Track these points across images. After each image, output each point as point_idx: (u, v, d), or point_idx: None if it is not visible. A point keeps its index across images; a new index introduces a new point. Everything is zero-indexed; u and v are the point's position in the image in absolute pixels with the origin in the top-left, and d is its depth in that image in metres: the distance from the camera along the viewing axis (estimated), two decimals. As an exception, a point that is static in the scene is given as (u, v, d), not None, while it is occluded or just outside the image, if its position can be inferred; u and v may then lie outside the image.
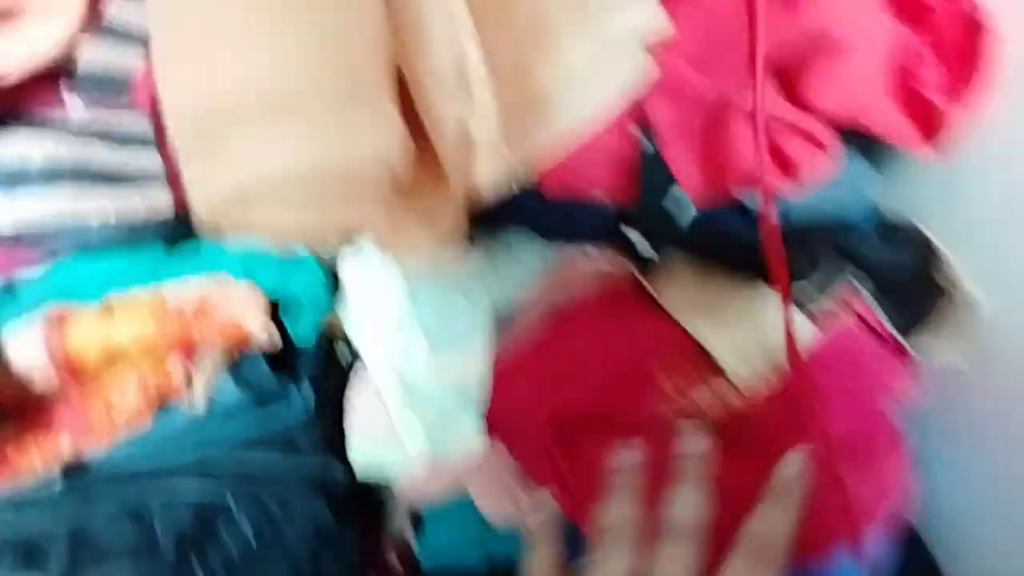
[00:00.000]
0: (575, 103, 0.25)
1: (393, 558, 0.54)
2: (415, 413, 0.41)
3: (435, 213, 0.32)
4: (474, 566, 0.47)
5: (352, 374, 0.47)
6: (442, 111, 0.23)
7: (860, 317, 0.41)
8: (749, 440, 0.39)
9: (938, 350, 0.41)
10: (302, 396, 0.47)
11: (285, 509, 0.46)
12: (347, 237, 0.31)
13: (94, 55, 0.35)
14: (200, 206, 0.22)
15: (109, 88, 0.35)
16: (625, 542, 0.33)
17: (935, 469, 0.45)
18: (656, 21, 0.27)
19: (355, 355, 0.48)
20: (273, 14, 0.19)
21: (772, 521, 0.31)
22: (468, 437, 0.43)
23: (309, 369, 0.47)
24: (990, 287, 0.41)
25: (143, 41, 0.35)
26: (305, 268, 0.44)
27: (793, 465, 0.33)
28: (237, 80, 0.18)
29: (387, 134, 0.20)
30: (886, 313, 0.41)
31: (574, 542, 0.37)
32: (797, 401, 0.39)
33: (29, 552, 0.42)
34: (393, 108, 0.21)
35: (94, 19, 0.35)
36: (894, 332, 0.41)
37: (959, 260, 0.42)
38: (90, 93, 0.35)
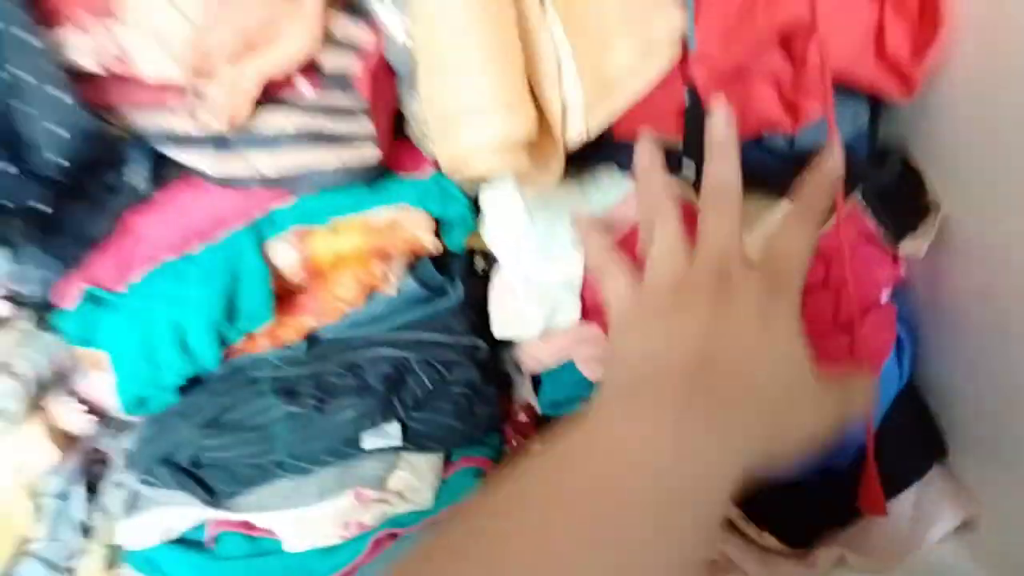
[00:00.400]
0: (629, 87, 0.42)
1: (521, 414, 0.74)
2: (534, 301, 0.60)
3: (547, 159, 0.50)
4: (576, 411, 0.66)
5: (491, 275, 0.66)
6: (549, 94, 0.41)
7: (854, 223, 0.56)
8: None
9: (918, 248, 0.55)
10: (455, 291, 0.67)
11: (449, 370, 0.65)
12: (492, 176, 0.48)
13: (327, 60, 0.55)
14: (444, 165, 0.39)
15: (339, 84, 0.55)
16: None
17: (922, 337, 0.60)
18: (683, 21, 0.43)
19: (490, 261, 0.67)
20: (481, 42, 0.35)
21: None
22: (571, 319, 0.61)
23: (459, 271, 0.67)
24: (959, 200, 0.54)
25: (358, 50, 0.54)
26: (457, 198, 0.62)
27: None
28: (463, 86, 0.36)
29: (530, 114, 0.38)
30: (878, 222, 0.56)
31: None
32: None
33: (288, 391, 0.64)
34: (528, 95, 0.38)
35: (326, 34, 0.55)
36: (884, 236, 0.56)
37: (937, 179, 0.55)
38: (324, 84, 0.55)
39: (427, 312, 0.66)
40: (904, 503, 0.61)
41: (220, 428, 0.63)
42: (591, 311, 0.62)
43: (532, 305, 0.59)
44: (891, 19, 0.50)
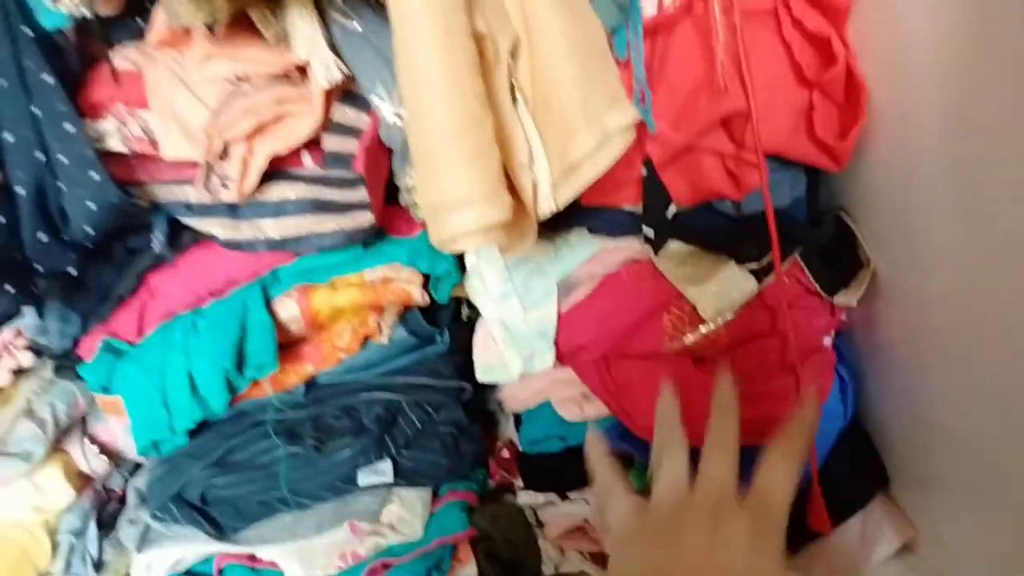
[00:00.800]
0: (590, 169, 0.49)
1: (504, 451, 0.80)
2: (514, 347, 0.67)
3: (523, 229, 0.56)
4: (556, 449, 0.73)
5: (475, 323, 0.73)
6: (523, 178, 0.48)
7: (796, 278, 0.64)
8: (717, 354, 0.62)
9: (850, 299, 0.63)
10: (443, 338, 0.73)
11: (436, 411, 0.72)
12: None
13: (329, 141, 0.62)
14: (435, 243, 0.46)
15: (339, 161, 0.62)
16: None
17: (863, 378, 0.67)
18: (635, 115, 0.51)
19: (475, 310, 0.74)
20: (462, 142, 0.42)
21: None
22: (547, 363, 0.68)
23: (446, 321, 0.74)
24: (886, 256, 0.62)
25: (356, 132, 0.62)
26: (443, 257, 0.69)
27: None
28: (448, 181, 0.43)
29: (506, 201, 0.44)
30: (816, 276, 0.63)
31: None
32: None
33: (290, 433, 0.70)
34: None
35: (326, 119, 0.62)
36: (820, 288, 0.63)
37: (866, 236, 0.63)
38: (325, 161, 0.63)
39: (417, 358, 0.73)
40: (852, 528, 0.67)
41: (227, 467, 0.69)
42: (564, 356, 0.68)
43: (511, 351, 0.66)
44: (820, 104, 0.58)
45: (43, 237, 0.59)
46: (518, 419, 0.77)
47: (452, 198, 0.43)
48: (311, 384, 0.72)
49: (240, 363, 0.65)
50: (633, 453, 0.68)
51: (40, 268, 0.61)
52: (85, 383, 0.77)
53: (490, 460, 0.79)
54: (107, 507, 0.82)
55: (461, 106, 0.42)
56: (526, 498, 0.74)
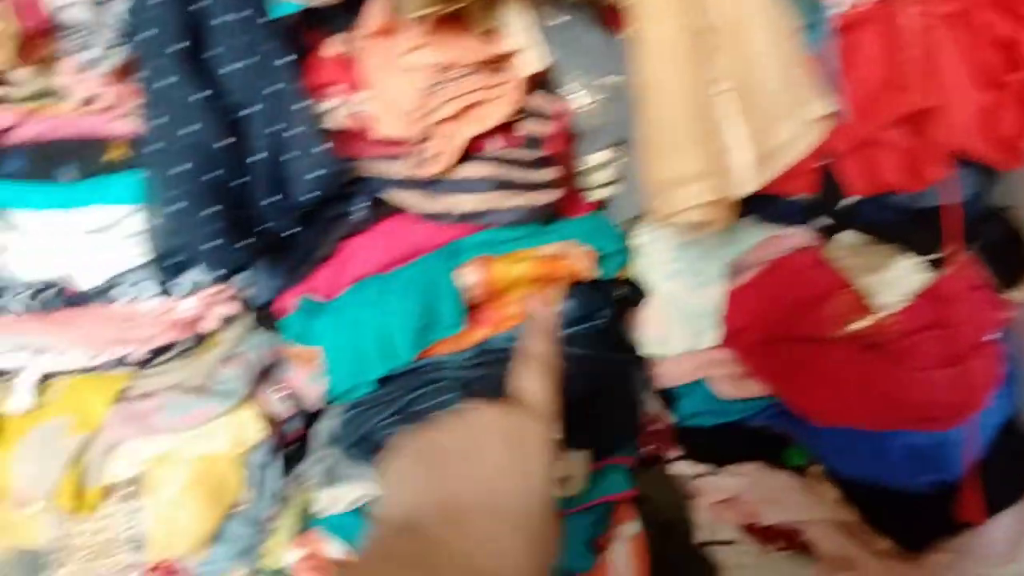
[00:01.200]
0: (787, 156, 0.53)
1: (653, 424, 0.84)
2: (680, 324, 0.71)
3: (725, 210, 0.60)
4: (711, 424, 0.76)
5: (630, 301, 0.77)
6: (727, 160, 0.53)
7: (968, 272, 0.65)
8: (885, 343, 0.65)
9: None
10: (606, 314, 0.78)
11: (599, 381, 0.77)
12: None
13: (524, 125, 0.68)
14: (657, 217, 0.51)
15: (532, 143, 0.67)
16: None
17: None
18: (833, 106, 0.54)
19: (633, 289, 0.79)
20: (689, 127, 0.47)
21: None
22: (712, 341, 0.72)
23: (612, 295, 0.78)
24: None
25: (549, 117, 0.67)
26: (613, 236, 0.74)
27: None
28: (677, 160, 0.48)
29: (726, 180, 0.48)
30: (987, 271, 0.65)
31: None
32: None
33: (464, 388, 0.77)
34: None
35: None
36: (993, 284, 0.65)
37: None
38: (520, 143, 0.68)
39: (581, 330, 0.78)
40: (1005, 520, 0.69)
41: (409, 417, 0.76)
42: (727, 336, 0.72)
43: (677, 328, 0.70)
44: (1004, 105, 0.59)
45: (272, 200, 0.67)
46: (665, 394, 0.81)
47: (680, 175, 0.48)
48: (482, 348, 0.78)
49: (430, 323, 0.72)
50: (791, 433, 0.71)
51: (267, 227, 0.69)
52: (278, 334, 0.86)
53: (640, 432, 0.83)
54: (287, 448, 0.91)
55: (692, 96, 0.47)
56: (681, 468, 0.78)
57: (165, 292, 0.75)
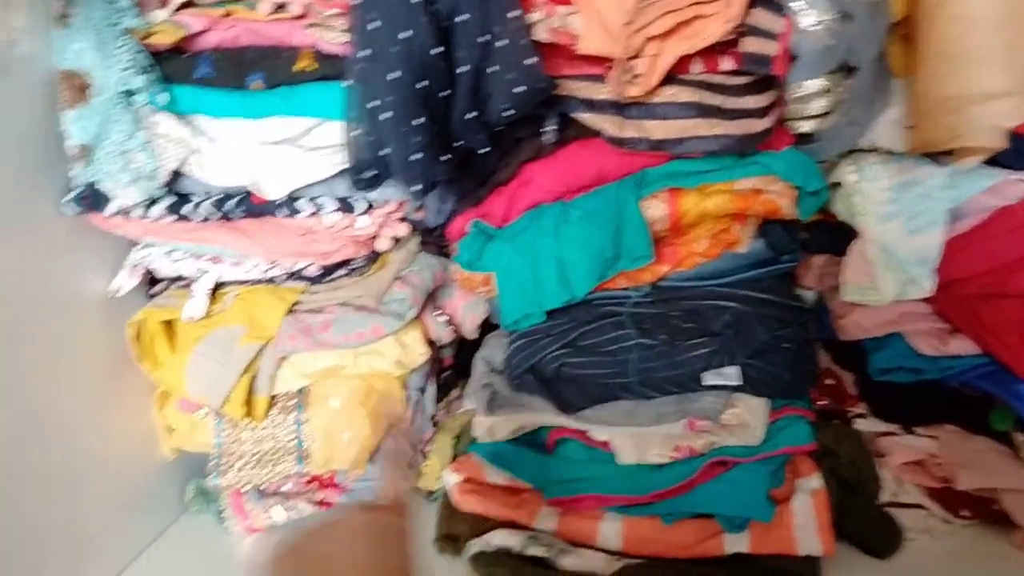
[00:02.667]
0: None
1: (828, 379, 0.80)
2: (890, 271, 0.66)
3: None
4: (907, 380, 0.71)
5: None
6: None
7: None
8: None
9: None
10: (795, 256, 0.74)
11: (781, 327, 0.73)
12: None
13: (746, 44, 0.63)
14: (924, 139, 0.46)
15: (758, 62, 0.62)
16: None
17: None
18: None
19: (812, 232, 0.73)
20: (1004, 40, 0.41)
21: None
22: (925, 291, 0.66)
23: (806, 237, 0.74)
24: None
25: (773, 35, 0.62)
26: (816, 174, 0.69)
27: None
28: (984, 76, 0.43)
29: None
30: None
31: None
32: None
33: (638, 325, 0.74)
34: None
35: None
36: None
37: None
38: (744, 63, 0.63)
39: (763, 273, 0.74)
40: None
41: (579, 349, 0.74)
42: (943, 289, 0.66)
43: (887, 275, 0.65)
44: None
45: (470, 115, 0.65)
46: (852, 347, 0.76)
47: (979, 92, 0.43)
48: (655, 285, 0.75)
49: (615, 255, 0.69)
50: (997, 394, 0.66)
51: (460, 143, 0.67)
52: (442, 258, 0.85)
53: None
54: (441, 374, 0.91)
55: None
56: (864, 425, 0.74)
57: (342, 209, 0.75)
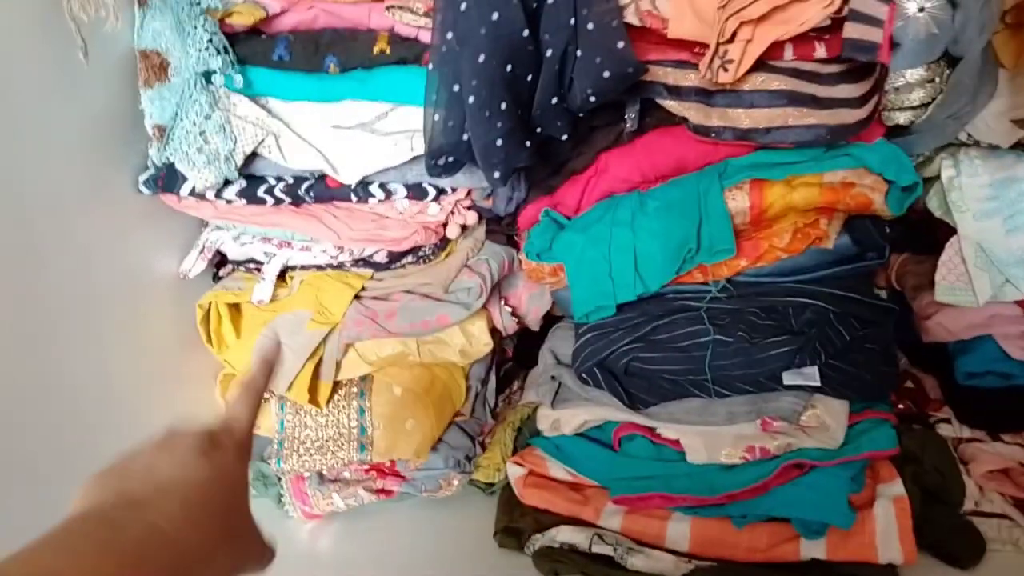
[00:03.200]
0: None
1: (908, 381, 0.77)
2: (986, 271, 0.63)
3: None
4: (996, 385, 0.68)
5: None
6: None
7: None
8: None
9: None
10: (884, 252, 0.71)
11: (864, 326, 0.70)
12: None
13: (849, 30, 0.60)
14: None
15: (862, 49, 0.59)
16: None
17: None
18: None
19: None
20: None
21: None
22: (1018, 294, 0.63)
23: (891, 235, 0.71)
24: None
25: (878, 21, 0.59)
26: (909, 168, 0.66)
27: None
28: None
29: None
30: None
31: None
32: None
33: (714, 321, 0.72)
34: None
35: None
36: None
37: None
38: (845, 50, 0.60)
39: (846, 270, 0.71)
40: None
41: (651, 344, 0.73)
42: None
43: (983, 275, 0.62)
44: None
45: (553, 100, 0.63)
46: (938, 349, 0.73)
47: None
48: (731, 279, 0.73)
49: (697, 246, 0.67)
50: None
51: (539, 130, 0.66)
52: (509, 248, 0.84)
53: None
54: (502, 366, 0.90)
55: None
56: (948, 430, 0.71)
57: (413, 196, 0.74)
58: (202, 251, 0.80)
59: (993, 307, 0.68)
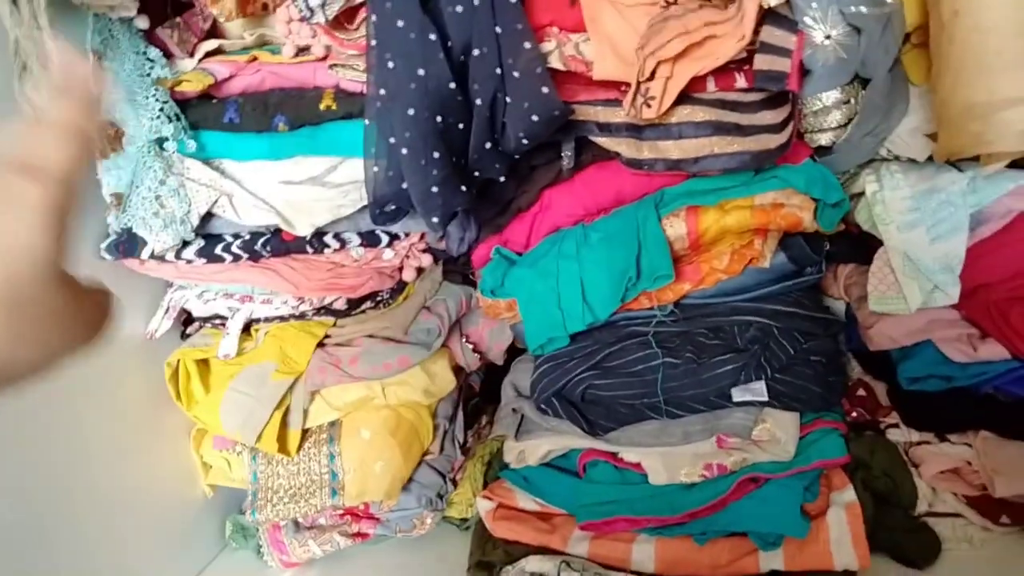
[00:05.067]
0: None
1: (860, 389, 0.79)
2: (915, 280, 0.65)
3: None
4: (938, 389, 0.70)
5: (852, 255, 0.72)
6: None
7: None
8: None
9: None
10: (821, 268, 0.73)
11: (807, 340, 0.73)
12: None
13: (759, 61, 0.63)
14: (950, 146, 0.47)
15: (771, 79, 0.63)
16: None
17: None
18: None
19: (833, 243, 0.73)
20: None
21: None
22: (952, 298, 0.65)
23: (832, 249, 0.73)
24: None
25: (786, 52, 0.63)
26: (835, 185, 0.69)
27: None
28: (1007, 82, 0.43)
29: None
30: None
31: None
32: None
33: (663, 344, 0.74)
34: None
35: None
36: None
37: None
38: (757, 80, 0.64)
39: (787, 287, 0.74)
40: None
41: (605, 371, 0.75)
42: (962, 294, 0.66)
43: (912, 283, 0.65)
44: None
45: (487, 145, 0.66)
46: (880, 356, 0.76)
47: (1004, 97, 0.43)
48: (678, 303, 0.75)
49: (637, 275, 0.69)
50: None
51: (476, 174, 0.69)
52: (466, 286, 0.86)
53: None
54: (470, 402, 0.92)
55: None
56: (897, 435, 0.73)
57: (367, 243, 0.76)
58: (167, 311, 0.82)
59: (931, 312, 0.70)
